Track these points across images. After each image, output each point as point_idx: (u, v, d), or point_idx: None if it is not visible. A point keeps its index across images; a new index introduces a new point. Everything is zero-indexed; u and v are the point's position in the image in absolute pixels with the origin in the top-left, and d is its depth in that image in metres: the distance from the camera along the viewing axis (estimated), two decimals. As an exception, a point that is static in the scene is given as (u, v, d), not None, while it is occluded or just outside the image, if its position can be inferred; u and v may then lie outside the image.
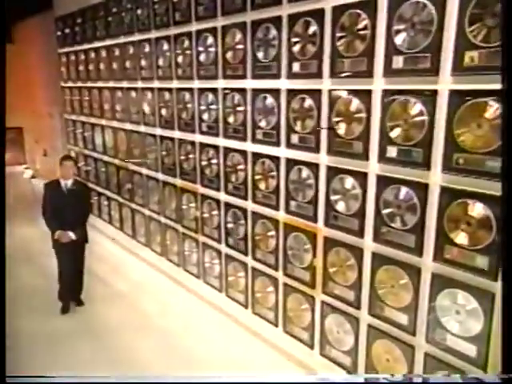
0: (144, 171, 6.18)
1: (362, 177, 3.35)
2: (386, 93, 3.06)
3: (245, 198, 4.51)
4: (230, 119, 4.50)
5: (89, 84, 7.23)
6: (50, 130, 10.14)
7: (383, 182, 3.20)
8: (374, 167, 3.25)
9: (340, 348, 3.80)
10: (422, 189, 2.96)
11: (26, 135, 12.07)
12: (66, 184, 4.97)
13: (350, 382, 3.78)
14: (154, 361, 4.21)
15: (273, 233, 4.27)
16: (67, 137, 8.54)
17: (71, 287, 5.13)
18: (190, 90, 4.98)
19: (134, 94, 6.07)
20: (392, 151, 3.09)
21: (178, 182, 5.51)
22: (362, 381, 3.56)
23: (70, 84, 7.95)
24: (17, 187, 10.29)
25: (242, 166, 4.49)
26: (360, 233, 3.44)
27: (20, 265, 6.20)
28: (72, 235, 4.94)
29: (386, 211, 3.22)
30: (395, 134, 3.05)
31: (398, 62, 2.93)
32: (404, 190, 3.07)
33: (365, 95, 3.20)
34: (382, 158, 3.16)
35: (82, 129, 7.84)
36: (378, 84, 3.10)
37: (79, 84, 7.56)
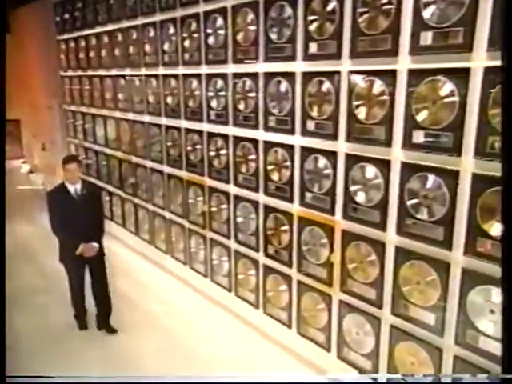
0: (148, 164, 6.10)
1: (384, 165, 3.24)
2: (413, 73, 2.95)
3: (256, 190, 4.42)
4: (241, 106, 4.41)
5: (89, 72, 7.16)
6: (49, 123, 10.09)
7: (408, 169, 3.10)
8: (397, 154, 3.14)
9: (359, 351, 3.69)
10: (451, 176, 2.85)
11: (23, 129, 12.04)
12: (76, 189, 4.43)
13: (359, 382, 3.73)
14: (158, 361, 4.13)
15: (286, 227, 4.17)
16: (67, 129, 8.49)
17: (83, 305, 4.75)
18: (198, 76, 4.90)
19: (137, 81, 5.99)
20: (418, 136, 2.98)
21: (185, 174, 5.42)
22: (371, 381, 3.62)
23: (69, 73, 7.89)
24: (14, 183, 10.25)
25: (253, 156, 4.39)
26: (382, 225, 3.33)
27: (20, 264, 6.14)
28: (96, 245, 4.48)
29: (411, 202, 3.11)
30: (422, 117, 2.94)
31: (427, 38, 2.82)
32: (432, 178, 2.96)
33: (389, 76, 3.09)
34: (407, 143, 3.06)
35: (82, 120, 7.78)
36: (404, 63, 2.99)
37: (79, 73, 7.49)
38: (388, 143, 3.17)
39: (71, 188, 4.42)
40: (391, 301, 3.37)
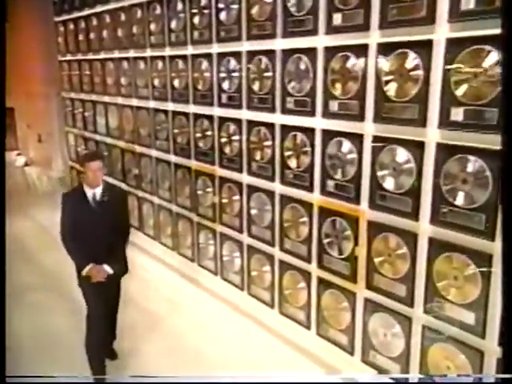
0: (153, 153, 6.00)
1: (417, 147, 3.11)
2: (452, 43, 2.81)
3: (272, 178, 4.30)
4: (255, 87, 4.29)
5: (90, 56, 7.08)
6: (45, 113, 10.03)
7: (445, 151, 2.96)
8: (433, 134, 3.00)
9: (387, 354, 3.57)
10: (495, 158, 2.70)
11: (17, 119, 11.99)
12: (95, 194, 3.73)
13: (377, 382, 3.61)
14: (164, 362, 4.02)
15: (305, 219, 4.05)
16: (65, 118, 8.42)
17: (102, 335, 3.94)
18: (208, 55, 4.78)
19: (142, 64, 5.89)
20: (458, 113, 2.84)
21: (193, 163, 5.32)
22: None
23: (68, 57, 7.81)
24: (8, 176, 10.19)
25: (268, 142, 4.27)
26: (414, 214, 3.20)
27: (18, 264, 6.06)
28: (108, 269, 3.75)
29: (447, 187, 2.98)
30: (462, 91, 2.80)
31: (469, 1, 2.68)
32: (473, 161, 2.82)
33: (424, 47, 2.95)
34: (445, 122, 2.92)
35: (81, 108, 7.70)
36: (441, 32, 2.85)
37: (79, 57, 7.41)
38: (422, 122, 3.03)
39: (89, 193, 3.72)
40: (424, 298, 3.24)
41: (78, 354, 3.81)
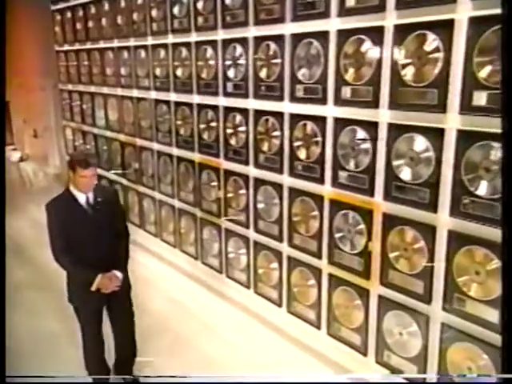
0: (155, 146, 5.93)
1: (436, 134, 3.03)
2: (475, 21, 2.73)
3: (280, 170, 4.23)
4: (263, 74, 4.22)
5: (88, 45, 7.00)
6: (41, 106, 9.99)
7: (466, 138, 2.88)
8: (453, 120, 2.92)
9: (403, 354, 3.49)
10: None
11: (12, 113, 11.93)
12: (88, 198, 3.42)
13: (388, 382, 3.53)
14: (168, 364, 3.95)
15: (315, 212, 3.98)
16: (62, 111, 8.35)
17: (104, 362, 3.73)
18: (213, 42, 4.70)
19: (143, 53, 5.81)
20: (480, 97, 2.76)
21: (197, 156, 5.25)
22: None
23: (65, 47, 7.74)
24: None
25: (277, 133, 4.20)
26: (433, 206, 3.13)
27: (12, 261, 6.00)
28: (119, 274, 3.47)
29: (468, 176, 2.90)
30: (485, 72, 2.72)
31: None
32: (497, 148, 2.73)
33: (444, 27, 2.87)
34: (466, 106, 2.84)
35: (79, 101, 7.64)
36: (464, 10, 2.77)
37: (77, 46, 7.34)
38: (442, 107, 2.96)
39: (81, 197, 3.40)
40: (443, 295, 3.16)
41: (73, 353, 3.76)
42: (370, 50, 3.32)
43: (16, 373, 3.23)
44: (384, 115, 3.31)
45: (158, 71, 5.62)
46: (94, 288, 3.36)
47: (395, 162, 3.28)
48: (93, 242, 3.41)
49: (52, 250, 3.37)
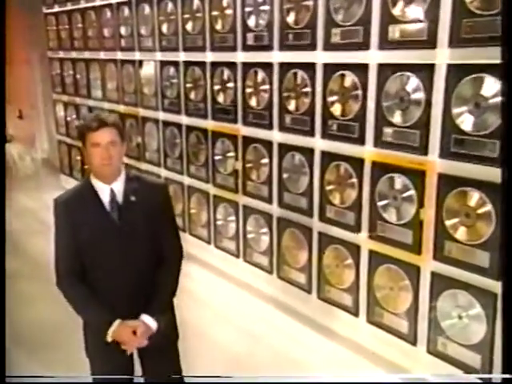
0: (161, 115, 5.72)
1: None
2: None
3: (311, 133, 4.01)
4: (290, 19, 4.01)
5: (82, 4, 6.81)
6: (27, 82, 9.81)
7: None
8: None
9: (463, 341, 3.25)
10: None
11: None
12: (113, 193, 2.49)
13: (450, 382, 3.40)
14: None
15: (354, 179, 3.76)
16: (52, 83, 8.16)
17: None
18: (230, -11, 4.50)
19: (147, 8, 5.61)
20: None
21: (210, 123, 5.05)
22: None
23: (55, 9, 7.55)
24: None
25: (307, 89, 3.98)
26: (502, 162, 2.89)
27: None
28: (151, 323, 2.48)
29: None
30: None
31: None
32: None
33: None
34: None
35: (72, 70, 7.47)
36: None
37: (69, 7, 7.15)
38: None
39: (103, 191, 2.49)
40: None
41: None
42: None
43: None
44: (443, 55, 3.08)
45: (164, 28, 5.41)
46: (109, 339, 2.43)
47: (456, 110, 3.05)
48: (116, 265, 2.49)
49: (55, 268, 2.53)
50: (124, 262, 2.48)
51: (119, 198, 2.49)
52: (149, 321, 2.46)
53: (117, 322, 2.42)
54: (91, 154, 2.43)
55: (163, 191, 2.70)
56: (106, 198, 2.48)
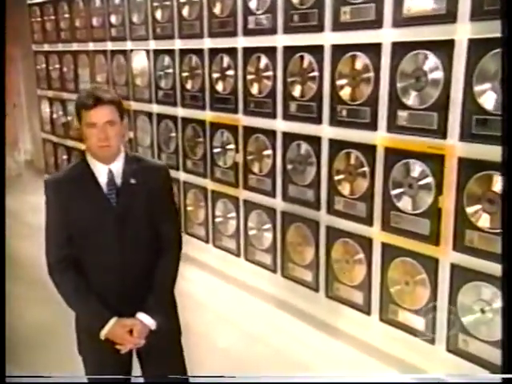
0: (154, 108, 5.63)
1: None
2: None
3: (318, 120, 3.93)
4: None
5: (70, -6, 6.74)
6: (8, 80, 9.66)
7: None
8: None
9: (485, 337, 3.16)
10: None
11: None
12: (111, 174, 2.36)
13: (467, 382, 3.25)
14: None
15: (365, 168, 3.67)
16: (37, 79, 8.07)
17: None
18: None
19: (140, -6, 5.53)
20: None
21: (208, 114, 4.96)
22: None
23: (41, -1, 7.47)
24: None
25: (315, 73, 3.91)
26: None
27: None
28: (149, 321, 2.37)
29: None
30: None
31: None
32: None
33: None
34: None
35: (58, 63, 7.38)
36: None
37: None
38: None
39: (100, 171, 2.36)
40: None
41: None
42: None
43: None
44: (464, 29, 3.02)
45: (158, 14, 5.33)
46: (102, 337, 2.33)
47: (478, 88, 2.98)
48: (112, 254, 2.37)
49: (46, 255, 2.39)
50: (118, 249, 2.36)
51: (118, 179, 2.37)
52: (146, 319, 2.36)
53: (112, 321, 2.33)
54: (87, 135, 2.30)
55: (164, 173, 2.56)
56: (103, 179, 2.35)
